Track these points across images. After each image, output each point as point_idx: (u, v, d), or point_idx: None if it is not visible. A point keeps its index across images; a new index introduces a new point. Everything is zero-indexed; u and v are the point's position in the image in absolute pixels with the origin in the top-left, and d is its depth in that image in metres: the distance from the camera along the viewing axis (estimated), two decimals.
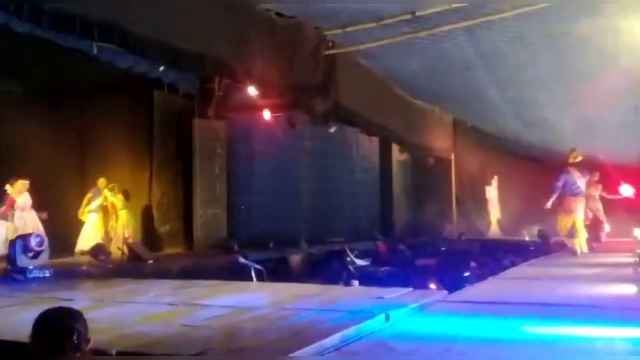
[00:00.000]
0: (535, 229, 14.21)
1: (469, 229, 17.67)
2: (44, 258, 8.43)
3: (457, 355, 3.49)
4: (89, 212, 11.40)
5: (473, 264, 9.41)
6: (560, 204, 10.78)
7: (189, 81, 12.17)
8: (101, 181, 11.48)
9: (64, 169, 12.03)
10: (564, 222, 10.83)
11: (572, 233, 10.78)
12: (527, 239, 15.03)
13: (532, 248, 12.79)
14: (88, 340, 2.54)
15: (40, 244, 8.38)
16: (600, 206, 12.45)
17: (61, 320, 2.52)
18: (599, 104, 11.65)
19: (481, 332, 4.03)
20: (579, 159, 10.83)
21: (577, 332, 3.95)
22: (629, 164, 14.43)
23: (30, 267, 7.97)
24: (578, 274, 7.81)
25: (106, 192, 11.40)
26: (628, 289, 6.07)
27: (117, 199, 11.45)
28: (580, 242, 10.74)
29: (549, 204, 10.72)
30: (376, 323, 4.33)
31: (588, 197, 11.54)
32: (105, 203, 11.46)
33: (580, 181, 10.69)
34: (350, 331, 3.97)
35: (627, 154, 14.61)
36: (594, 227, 11.93)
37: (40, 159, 11.22)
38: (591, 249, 11.05)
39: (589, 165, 11.60)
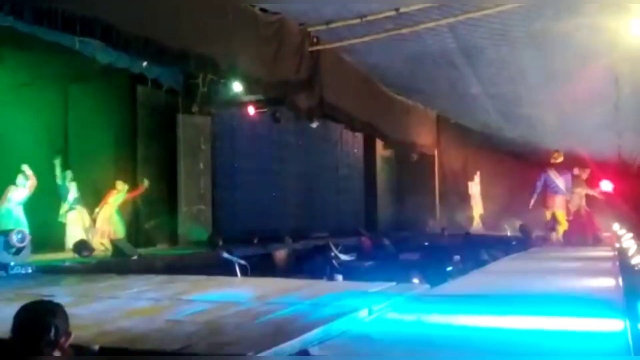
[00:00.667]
0: (517, 224, 14.35)
1: (452, 223, 17.81)
2: (26, 254, 8.36)
3: (439, 348, 3.54)
4: (66, 212, 11.27)
5: (456, 257, 9.49)
6: (543, 201, 11.33)
7: (173, 77, 12.11)
8: (68, 173, 11.37)
9: (47, 165, 11.89)
10: (547, 217, 11.40)
11: (553, 226, 11.28)
12: (509, 233, 15.19)
13: (513, 242, 12.92)
14: (69, 335, 2.49)
15: (22, 240, 8.31)
16: (584, 203, 12.61)
17: (37, 317, 2.45)
18: (580, 101, 11.81)
19: (463, 326, 4.08)
20: (560, 160, 11.40)
21: (556, 325, 4.02)
22: (609, 160, 14.64)
23: (12, 263, 7.91)
24: (559, 267, 7.93)
25: (118, 185, 11.32)
26: (607, 282, 6.17)
27: (115, 195, 11.34)
28: (559, 232, 11.26)
29: (531, 204, 11.32)
30: (359, 317, 4.37)
31: (573, 194, 11.80)
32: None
33: (558, 180, 11.33)
34: (333, 325, 4.00)
35: (608, 150, 14.80)
36: (589, 223, 12.11)
37: (23, 154, 11.08)
38: (598, 240, 11.57)
39: (577, 163, 12.04)
